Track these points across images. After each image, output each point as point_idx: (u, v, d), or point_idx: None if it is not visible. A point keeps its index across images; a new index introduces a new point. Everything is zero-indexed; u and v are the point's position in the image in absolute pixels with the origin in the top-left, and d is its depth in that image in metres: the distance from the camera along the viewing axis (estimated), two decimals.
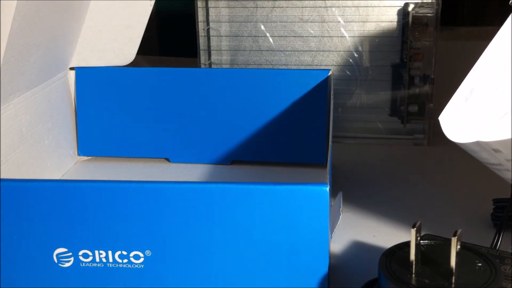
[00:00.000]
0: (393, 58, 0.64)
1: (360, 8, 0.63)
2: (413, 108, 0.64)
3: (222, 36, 0.67)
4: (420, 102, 0.63)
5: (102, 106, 0.59)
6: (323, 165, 0.57)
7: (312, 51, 0.65)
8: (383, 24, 0.63)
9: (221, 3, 0.66)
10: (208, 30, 0.67)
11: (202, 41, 0.67)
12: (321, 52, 0.65)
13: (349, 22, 0.64)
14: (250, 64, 0.67)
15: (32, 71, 0.50)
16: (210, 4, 0.66)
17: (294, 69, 0.65)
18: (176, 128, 0.59)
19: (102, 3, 0.57)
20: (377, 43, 0.64)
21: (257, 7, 0.65)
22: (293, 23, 0.65)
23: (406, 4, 0.62)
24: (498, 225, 0.42)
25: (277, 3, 0.65)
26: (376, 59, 0.64)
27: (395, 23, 0.63)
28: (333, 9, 0.64)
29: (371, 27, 0.64)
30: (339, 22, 0.64)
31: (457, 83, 0.36)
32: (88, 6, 0.56)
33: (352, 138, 0.65)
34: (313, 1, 0.64)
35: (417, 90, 0.63)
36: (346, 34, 0.64)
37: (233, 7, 0.66)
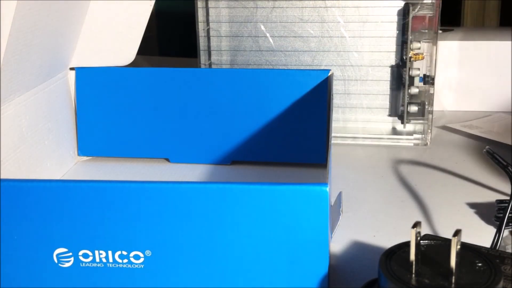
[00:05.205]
0: (393, 58, 0.64)
1: (360, 8, 0.63)
2: (413, 108, 0.64)
3: (222, 36, 0.67)
4: (420, 102, 0.63)
5: (102, 106, 0.59)
6: (323, 165, 0.57)
7: (312, 51, 0.65)
8: (383, 24, 0.63)
9: (221, 3, 0.66)
10: (208, 30, 0.67)
11: (202, 41, 0.67)
12: (321, 52, 0.65)
13: (349, 22, 0.64)
14: (250, 64, 0.67)
15: (32, 71, 0.50)
16: (210, 4, 0.66)
17: (294, 69, 0.65)
18: (176, 128, 0.59)
19: (102, 3, 0.57)
20: (377, 43, 0.64)
21: (257, 8, 0.65)
22: (293, 23, 0.65)
23: (406, 4, 0.62)
24: (498, 225, 0.42)
25: (277, 3, 0.65)
26: (376, 59, 0.64)
27: (395, 23, 0.63)
28: (333, 9, 0.64)
29: (371, 27, 0.64)
30: (339, 22, 0.64)
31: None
32: (88, 6, 0.56)
33: (352, 138, 0.65)
34: (313, 1, 0.64)
35: (417, 90, 0.63)
36: (346, 34, 0.64)
37: (233, 8, 0.66)
